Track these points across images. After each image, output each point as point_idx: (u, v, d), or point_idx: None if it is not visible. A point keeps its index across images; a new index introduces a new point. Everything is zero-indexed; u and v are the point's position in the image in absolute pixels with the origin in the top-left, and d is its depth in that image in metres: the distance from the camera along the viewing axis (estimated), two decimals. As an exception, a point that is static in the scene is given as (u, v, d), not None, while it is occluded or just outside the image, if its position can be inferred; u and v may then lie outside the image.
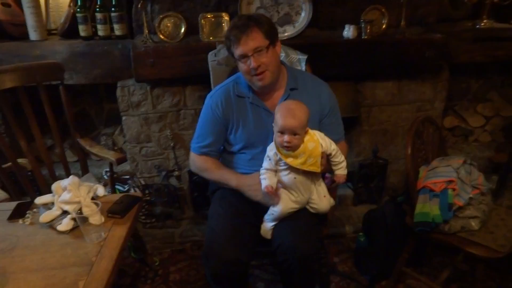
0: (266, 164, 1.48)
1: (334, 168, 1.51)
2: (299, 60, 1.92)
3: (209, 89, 2.29)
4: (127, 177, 2.41)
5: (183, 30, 2.21)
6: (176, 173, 2.41)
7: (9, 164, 1.97)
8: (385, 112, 2.47)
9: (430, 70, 2.34)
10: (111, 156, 1.93)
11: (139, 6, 2.14)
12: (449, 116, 2.72)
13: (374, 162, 2.40)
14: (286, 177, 1.46)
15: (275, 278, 2.05)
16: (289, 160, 1.41)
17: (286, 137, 1.38)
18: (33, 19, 2.29)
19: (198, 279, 2.11)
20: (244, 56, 1.46)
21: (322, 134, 1.48)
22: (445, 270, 1.88)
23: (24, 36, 2.34)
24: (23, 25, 2.33)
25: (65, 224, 1.29)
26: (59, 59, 2.23)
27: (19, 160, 2.07)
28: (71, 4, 2.33)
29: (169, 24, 2.20)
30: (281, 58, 1.92)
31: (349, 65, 2.23)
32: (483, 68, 2.66)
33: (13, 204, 1.46)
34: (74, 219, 1.30)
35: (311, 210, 1.55)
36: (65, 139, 2.60)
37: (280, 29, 2.23)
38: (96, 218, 1.31)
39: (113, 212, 1.35)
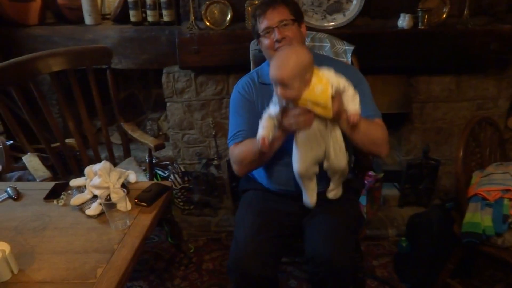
0: (271, 108, 1.32)
1: (346, 105, 1.29)
2: (345, 51, 1.80)
3: (252, 78, 2.25)
4: (168, 163, 2.44)
5: (229, 17, 2.16)
6: (215, 162, 2.40)
7: (58, 144, 2.07)
8: (440, 109, 2.28)
9: (495, 65, 2.12)
10: (150, 142, 1.95)
11: (187, -9, 2.12)
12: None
13: (424, 162, 2.24)
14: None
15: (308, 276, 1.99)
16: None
17: (278, 90, 1.25)
18: (89, 3, 2.36)
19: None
20: (269, 30, 1.42)
21: (331, 72, 1.30)
22: (497, 285, 1.72)
23: (80, 20, 2.43)
24: (79, 9, 2.41)
25: (94, 208, 1.30)
26: (109, 43, 2.29)
27: (67, 141, 2.16)
28: (124, -10, 2.38)
29: (215, 11, 2.17)
30: (326, 49, 1.83)
31: (402, 57, 2.07)
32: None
33: (51, 184, 1.51)
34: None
35: (327, 168, 1.41)
36: (114, 122, 2.68)
37: (329, 18, 2.12)
38: (123, 204, 1.31)
39: (141, 200, 1.35)
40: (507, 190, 1.50)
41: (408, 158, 2.34)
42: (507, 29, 1.96)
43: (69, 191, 1.44)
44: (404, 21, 2.01)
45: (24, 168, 2.18)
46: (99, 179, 1.33)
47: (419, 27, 2.01)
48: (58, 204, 1.39)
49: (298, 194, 1.52)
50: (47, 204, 1.39)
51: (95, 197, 1.35)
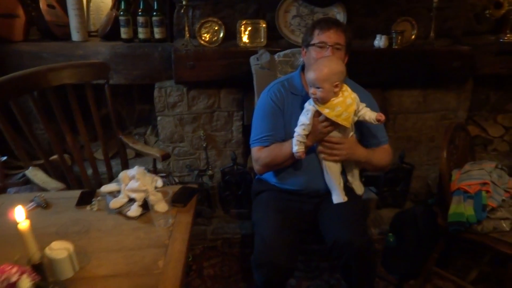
0: (302, 121, 1.56)
1: (364, 115, 1.59)
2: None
3: (243, 93, 2.41)
4: (163, 174, 2.49)
5: (221, 35, 2.30)
6: (209, 172, 2.49)
7: (55, 157, 2.06)
8: (410, 119, 2.58)
9: (456, 81, 2.45)
10: (155, 152, 2.01)
11: (181, 11, 2.24)
12: (470, 125, 2.82)
13: (400, 167, 2.50)
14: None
15: (306, 276, 2.14)
16: (326, 112, 1.51)
17: (311, 89, 1.51)
18: (77, 20, 2.39)
19: (231, 274, 2.18)
20: (323, 45, 1.59)
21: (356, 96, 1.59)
22: (474, 270, 1.97)
23: (66, 37, 2.44)
24: (66, 26, 2.42)
25: (134, 210, 1.36)
26: (100, 59, 2.32)
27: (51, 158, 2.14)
28: (114, 8, 2.44)
29: (208, 29, 2.30)
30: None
31: (379, 73, 2.33)
32: (502, 81, 2.78)
33: (75, 193, 1.53)
34: (141, 206, 1.38)
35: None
36: (96, 138, 2.67)
37: (314, 37, 2.34)
38: (161, 206, 1.39)
39: (177, 201, 1.43)
40: (484, 183, 1.77)
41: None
42: (466, 49, 2.30)
43: (99, 197, 1.48)
44: (380, 41, 2.28)
45: (20, 183, 2.14)
46: (137, 182, 1.39)
47: (393, 47, 2.29)
48: (92, 209, 1.42)
49: (308, 193, 1.69)
50: (80, 210, 1.42)
51: (131, 200, 1.41)
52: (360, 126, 1.69)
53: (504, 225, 1.76)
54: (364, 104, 1.61)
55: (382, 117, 1.57)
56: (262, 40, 2.29)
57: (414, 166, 2.52)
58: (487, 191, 1.76)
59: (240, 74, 2.28)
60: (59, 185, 1.71)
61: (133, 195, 1.40)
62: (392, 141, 2.58)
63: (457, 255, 2.27)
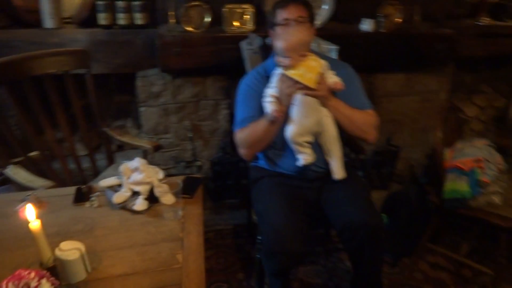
0: (271, 90, 1.56)
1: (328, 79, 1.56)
2: (330, 50, 2.01)
3: (230, 80, 2.35)
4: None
5: (208, 20, 2.22)
6: (198, 163, 2.42)
7: (35, 153, 1.93)
8: (394, 102, 2.61)
9: (439, 63, 2.50)
10: (146, 144, 1.92)
11: (165, -5, 2.14)
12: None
13: (387, 149, 2.53)
14: (297, 97, 1.54)
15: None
16: (289, 72, 1.51)
17: (278, 58, 1.52)
18: (50, 6, 2.22)
19: (227, 266, 2.14)
20: (287, 22, 1.61)
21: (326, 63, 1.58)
22: (465, 244, 2.04)
23: (38, 24, 2.27)
24: (37, 11, 2.26)
25: (141, 204, 1.29)
26: (78, 47, 2.18)
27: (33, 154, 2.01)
28: (89, -8, 2.30)
29: (194, 14, 2.22)
30: (313, 47, 2.01)
31: (366, 57, 2.34)
32: (477, 62, 2.87)
33: (68, 190, 1.44)
34: (146, 199, 1.31)
35: (323, 141, 1.61)
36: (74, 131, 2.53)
37: (301, 22, 2.31)
38: (167, 198, 1.33)
39: (183, 192, 1.36)
40: (478, 160, 1.82)
41: (372, 147, 2.62)
42: (450, 33, 2.35)
43: (97, 193, 1.39)
44: (368, 25, 2.28)
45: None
46: (140, 174, 1.32)
47: (380, 31, 2.30)
48: (92, 206, 1.33)
49: (305, 176, 1.67)
50: (79, 208, 1.33)
51: (134, 194, 1.33)
52: (342, 96, 1.64)
53: (496, 199, 1.83)
54: (333, 72, 1.58)
55: (337, 84, 1.55)
56: (250, 25, 2.24)
57: (400, 148, 2.57)
58: (481, 168, 1.81)
59: (228, 61, 2.21)
60: (46, 182, 1.59)
61: (137, 188, 1.32)
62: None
63: (446, 232, 2.34)
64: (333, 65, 1.68)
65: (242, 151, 1.69)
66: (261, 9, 2.24)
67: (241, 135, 1.66)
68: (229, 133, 2.49)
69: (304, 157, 1.59)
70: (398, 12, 2.34)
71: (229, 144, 2.49)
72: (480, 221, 1.83)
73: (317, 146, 1.63)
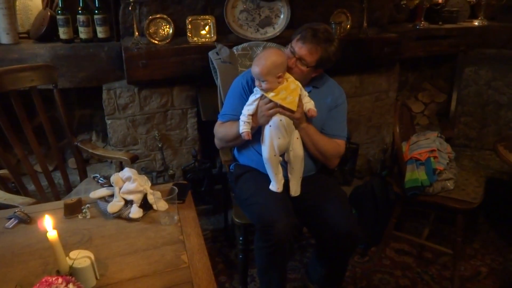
0: (249, 102, 1.64)
1: (305, 103, 1.63)
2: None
3: (196, 89, 2.41)
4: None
5: (171, 31, 2.28)
6: (170, 171, 2.45)
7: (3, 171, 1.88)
8: (350, 103, 2.77)
9: (386, 65, 2.73)
10: (122, 155, 1.94)
11: (129, 8, 2.17)
12: (394, 104, 3.16)
13: (348, 147, 2.70)
14: (274, 119, 1.60)
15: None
16: (271, 95, 1.58)
17: (256, 82, 1.59)
18: (6, 21, 2.17)
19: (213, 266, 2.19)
20: (292, 52, 1.63)
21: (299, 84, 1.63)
22: (425, 228, 2.25)
23: (-8, 40, 2.21)
24: (-8, 28, 2.19)
25: (136, 211, 1.32)
26: (40, 62, 2.15)
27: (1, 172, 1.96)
28: (47, 7, 2.27)
29: (157, 26, 2.26)
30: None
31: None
32: (418, 62, 3.15)
33: (52, 205, 1.44)
34: (140, 206, 1.35)
35: (290, 158, 1.67)
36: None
37: (261, 30, 2.43)
38: (161, 204, 1.38)
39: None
40: (432, 151, 2.03)
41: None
42: (394, 37, 2.58)
43: (88, 205, 1.40)
44: (323, 32, 2.45)
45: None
46: (133, 184, 1.35)
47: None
48: (85, 217, 1.35)
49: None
50: (72, 220, 1.33)
51: (127, 202, 1.36)
52: (322, 117, 1.74)
53: (449, 184, 2.04)
54: (306, 93, 1.66)
55: (311, 111, 1.61)
56: (212, 35, 2.32)
57: (359, 145, 2.76)
58: (435, 157, 2.02)
59: (194, 70, 2.28)
60: (26, 199, 1.57)
61: (130, 197, 1.35)
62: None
63: (407, 219, 2.55)
64: (329, 86, 1.81)
65: (216, 141, 1.87)
66: (222, 20, 2.32)
67: (218, 128, 1.83)
68: (197, 141, 2.55)
69: (276, 186, 1.65)
70: (348, 19, 2.54)
71: (200, 151, 2.55)
72: (438, 206, 2.03)
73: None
